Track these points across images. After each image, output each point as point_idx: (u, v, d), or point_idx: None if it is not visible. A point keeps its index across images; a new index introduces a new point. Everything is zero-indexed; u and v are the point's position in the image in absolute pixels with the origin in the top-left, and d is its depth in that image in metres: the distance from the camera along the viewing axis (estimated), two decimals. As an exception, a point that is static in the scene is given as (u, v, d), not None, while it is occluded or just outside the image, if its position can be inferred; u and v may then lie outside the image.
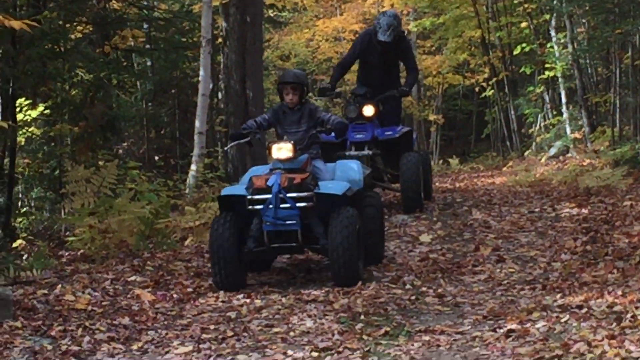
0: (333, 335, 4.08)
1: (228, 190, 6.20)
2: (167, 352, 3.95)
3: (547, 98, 15.57)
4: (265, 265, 6.22)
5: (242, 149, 8.65)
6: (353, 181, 5.94)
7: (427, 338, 3.89)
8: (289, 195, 5.39)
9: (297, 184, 5.44)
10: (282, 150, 5.53)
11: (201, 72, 10.01)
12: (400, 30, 8.58)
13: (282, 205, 5.39)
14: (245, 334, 4.26)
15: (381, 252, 6.33)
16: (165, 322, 4.73)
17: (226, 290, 5.45)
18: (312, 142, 6.01)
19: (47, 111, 9.40)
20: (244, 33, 9.95)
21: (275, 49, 19.33)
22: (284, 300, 5.20)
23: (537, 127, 15.26)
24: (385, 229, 6.91)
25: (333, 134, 6.33)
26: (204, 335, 4.25)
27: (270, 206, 5.35)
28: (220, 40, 10.94)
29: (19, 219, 8.48)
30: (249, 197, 5.50)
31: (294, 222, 5.44)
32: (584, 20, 13.18)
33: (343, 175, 6.06)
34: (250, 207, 5.51)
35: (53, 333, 4.32)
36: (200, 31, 10.24)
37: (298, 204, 5.40)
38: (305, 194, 5.44)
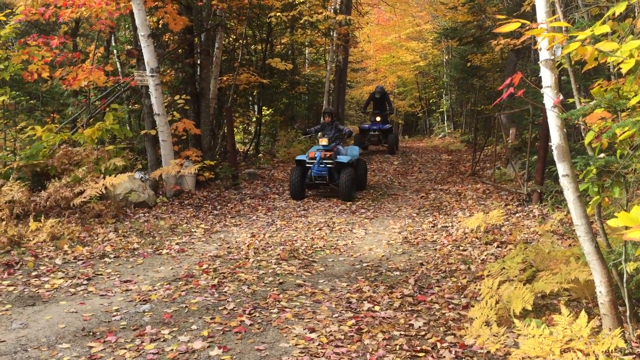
0: (358, 196, 11.87)
1: (299, 157, 11.27)
2: (291, 200, 11.68)
3: (440, 117, 31.24)
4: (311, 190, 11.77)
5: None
6: (354, 156, 11.39)
7: (393, 197, 11.69)
8: (323, 161, 10.79)
9: (328, 156, 10.80)
10: (322, 141, 10.98)
11: (325, 98, 19.70)
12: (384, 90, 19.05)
13: (320, 165, 10.75)
14: (304, 210, 12.03)
15: (365, 185, 12.05)
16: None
17: (295, 199, 10.95)
18: (336, 138, 11.50)
19: (270, 111, 19.27)
20: (340, 85, 20.42)
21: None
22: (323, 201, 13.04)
23: (436, 127, 30.46)
24: (380, 159, 15.39)
25: (367, 125, 16.16)
26: (292, 204, 12.04)
27: (315, 165, 10.78)
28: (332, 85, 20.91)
29: (261, 147, 16.50)
30: (307, 160, 10.94)
31: (325, 173, 10.79)
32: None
33: (351, 153, 11.56)
34: (307, 165, 10.90)
35: (270, 185, 12.13)
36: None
37: (327, 165, 10.78)
38: (330, 161, 10.78)
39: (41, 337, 4.29)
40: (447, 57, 28.30)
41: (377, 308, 5.03)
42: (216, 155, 12.82)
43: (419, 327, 4.58)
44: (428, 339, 4.35)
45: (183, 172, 10.11)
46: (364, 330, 4.48)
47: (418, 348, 4.15)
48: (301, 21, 17.66)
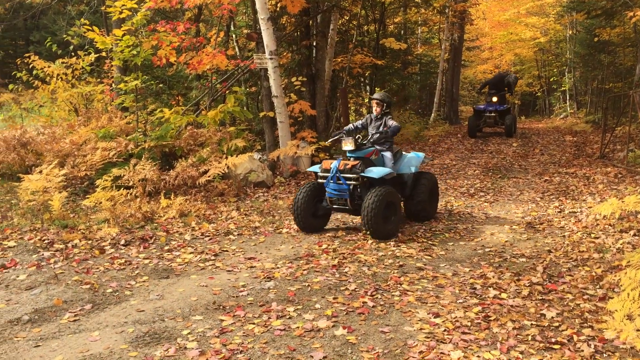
0: (475, 181, 11.43)
1: (311, 167, 7.66)
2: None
3: (561, 97, 29.77)
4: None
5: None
6: (413, 167, 7.67)
7: (514, 180, 11.13)
8: (342, 175, 6.92)
9: (348, 168, 6.92)
10: (347, 145, 7.02)
11: (439, 78, 20.61)
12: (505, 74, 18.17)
13: (338, 181, 6.92)
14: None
15: (431, 212, 7.82)
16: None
17: (301, 231, 7.10)
18: (384, 140, 7.46)
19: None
20: (455, 64, 21.21)
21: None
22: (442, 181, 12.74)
23: (557, 107, 29.70)
24: (497, 141, 15.30)
25: (482, 105, 15.28)
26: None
27: (331, 181, 6.97)
28: (445, 64, 21.37)
29: None
30: (319, 173, 7.22)
31: (344, 193, 6.91)
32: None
33: (407, 163, 7.71)
34: (319, 180, 7.18)
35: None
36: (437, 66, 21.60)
37: (348, 182, 6.93)
38: (353, 175, 6.90)
39: (176, 308, 4.53)
40: (571, 32, 26.56)
41: (504, 295, 4.82)
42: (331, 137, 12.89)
43: (552, 317, 4.33)
44: (563, 330, 4.11)
45: (299, 153, 10.27)
46: (491, 318, 4.31)
47: (552, 340, 3.92)
48: (416, -1, 17.31)
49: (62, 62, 12.46)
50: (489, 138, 16.50)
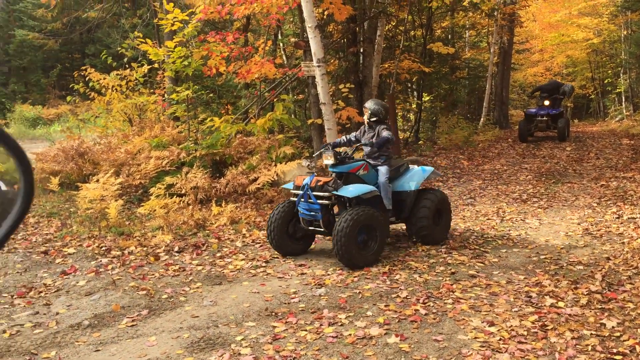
0: (527, 187, 11.15)
1: (287, 184, 6.74)
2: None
3: (616, 99, 28.32)
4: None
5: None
6: (414, 183, 6.66)
7: (569, 185, 10.82)
8: (314, 193, 6.03)
9: (320, 185, 6.00)
10: (327, 158, 6.18)
11: (488, 82, 20.18)
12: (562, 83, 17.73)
13: (309, 200, 6.08)
14: (470, 198, 11.53)
15: (438, 236, 6.75)
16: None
17: (276, 250, 6.34)
18: (377, 153, 6.53)
19: (429, 97, 19.72)
20: (504, 67, 21.10)
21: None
22: (490, 189, 12.50)
23: (612, 109, 28.26)
24: (550, 146, 15.07)
25: (534, 109, 15.34)
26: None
27: (302, 200, 6.13)
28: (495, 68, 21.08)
29: (421, 134, 16.88)
30: (292, 190, 6.34)
31: (317, 213, 6.07)
32: None
33: (408, 179, 6.72)
34: (293, 197, 6.31)
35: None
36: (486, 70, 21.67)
37: (320, 201, 6.04)
38: (325, 194, 6.00)
39: (229, 314, 4.59)
40: (625, 32, 25.75)
41: (561, 304, 4.69)
42: (378, 143, 12.92)
43: (613, 327, 4.19)
44: (624, 340, 3.97)
45: (348, 159, 10.27)
46: (548, 327, 4.20)
47: (614, 350, 3.79)
48: (464, 3, 17.10)
49: (117, 74, 12.85)
50: (541, 142, 16.11)
